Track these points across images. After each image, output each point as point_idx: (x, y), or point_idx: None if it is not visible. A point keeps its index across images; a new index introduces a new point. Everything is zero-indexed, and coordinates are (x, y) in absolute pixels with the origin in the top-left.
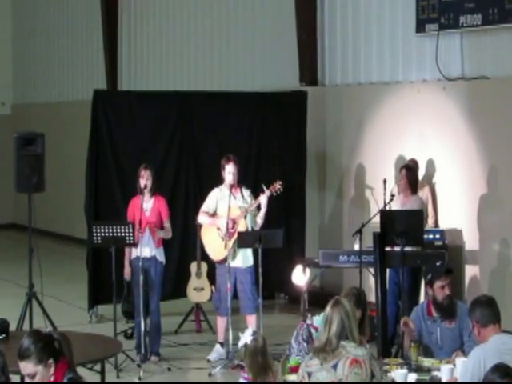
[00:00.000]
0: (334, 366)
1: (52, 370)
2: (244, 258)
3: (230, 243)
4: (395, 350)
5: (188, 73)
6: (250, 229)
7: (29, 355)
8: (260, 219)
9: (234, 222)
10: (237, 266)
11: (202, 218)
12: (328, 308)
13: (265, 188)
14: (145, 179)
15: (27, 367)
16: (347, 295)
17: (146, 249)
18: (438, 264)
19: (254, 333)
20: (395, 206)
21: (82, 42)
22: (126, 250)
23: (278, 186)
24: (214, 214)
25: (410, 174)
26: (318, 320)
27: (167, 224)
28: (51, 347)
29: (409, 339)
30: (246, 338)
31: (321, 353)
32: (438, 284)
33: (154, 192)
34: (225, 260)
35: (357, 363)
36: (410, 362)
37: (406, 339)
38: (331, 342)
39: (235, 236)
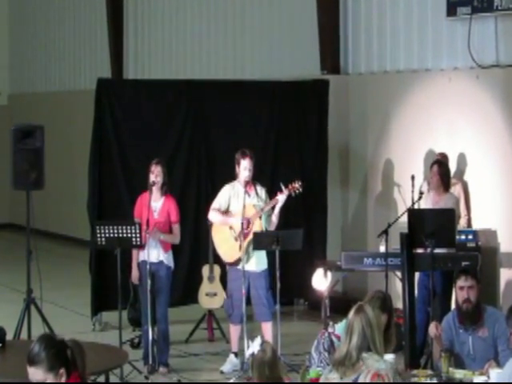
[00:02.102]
0: (355, 381)
1: (63, 379)
2: (257, 261)
3: (245, 244)
4: (424, 361)
5: (200, 60)
6: (264, 229)
7: (39, 361)
8: (275, 217)
9: (249, 222)
10: (250, 269)
11: (212, 216)
12: (350, 315)
13: (283, 187)
14: (154, 175)
15: (36, 373)
16: (371, 299)
17: (154, 252)
18: (463, 264)
19: (263, 343)
20: (426, 204)
21: (84, 26)
22: (134, 251)
23: (297, 185)
24: (225, 212)
25: (442, 170)
26: (340, 328)
27: (176, 228)
28: (64, 355)
29: (439, 348)
30: (255, 347)
31: (340, 366)
32: (457, 284)
33: (165, 191)
34: (237, 262)
35: (379, 377)
36: (441, 373)
37: (436, 349)
38: (351, 356)
39: (250, 237)
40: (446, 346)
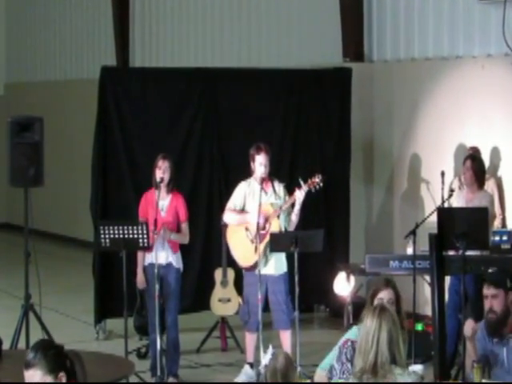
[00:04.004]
0: None
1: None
2: (277, 264)
3: (262, 247)
4: (455, 372)
5: (212, 47)
6: (283, 230)
7: (36, 363)
8: (295, 216)
9: (267, 219)
10: (268, 273)
11: (228, 217)
12: (373, 317)
13: (302, 182)
14: (162, 171)
15: (35, 376)
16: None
17: (162, 254)
18: (489, 271)
19: (274, 352)
20: (459, 202)
21: (87, 10)
22: (139, 253)
23: (317, 180)
24: (241, 212)
25: (475, 165)
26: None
27: (184, 227)
28: (63, 360)
29: (472, 357)
30: (267, 360)
31: (372, 375)
32: (483, 292)
33: (172, 188)
34: (255, 266)
35: None
36: None
37: (469, 357)
38: (383, 363)
39: (267, 238)
40: (481, 355)
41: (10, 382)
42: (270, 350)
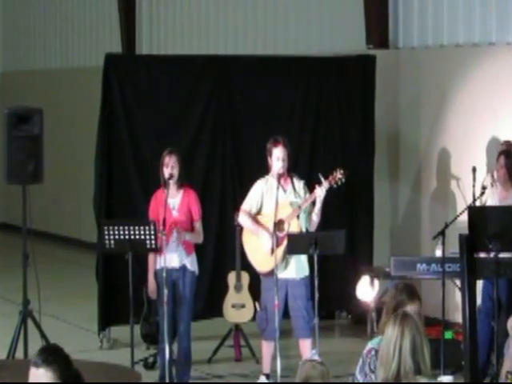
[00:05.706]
0: None
1: None
2: (298, 267)
3: (280, 251)
4: (488, 383)
5: (225, 34)
6: (304, 230)
7: (50, 364)
8: (316, 216)
9: (282, 223)
10: (289, 277)
11: (243, 219)
12: (395, 325)
13: (322, 178)
14: (170, 167)
15: (44, 377)
16: (396, 294)
17: (174, 256)
18: None
19: (305, 361)
20: (491, 201)
21: None
22: (150, 258)
23: (338, 175)
24: (258, 214)
25: (509, 162)
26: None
27: (198, 225)
28: (71, 370)
29: (507, 366)
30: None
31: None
32: None
33: (182, 183)
34: (273, 272)
35: None
36: None
37: (508, 359)
38: (406, 372)
39: (285, 242)
40: None
41: (9, 382)
42: (313, 352)
